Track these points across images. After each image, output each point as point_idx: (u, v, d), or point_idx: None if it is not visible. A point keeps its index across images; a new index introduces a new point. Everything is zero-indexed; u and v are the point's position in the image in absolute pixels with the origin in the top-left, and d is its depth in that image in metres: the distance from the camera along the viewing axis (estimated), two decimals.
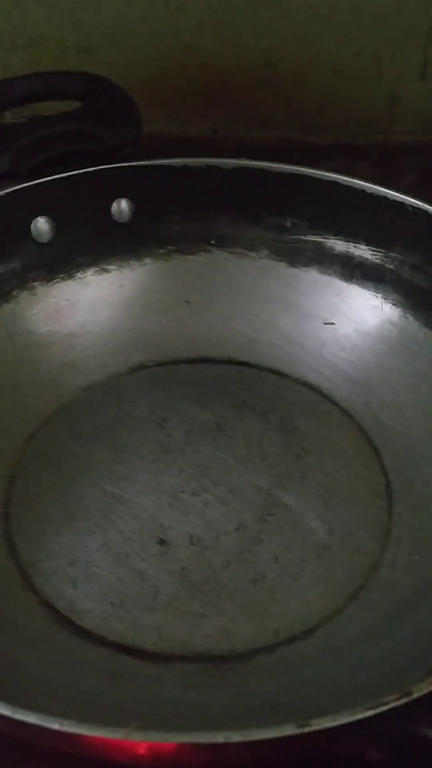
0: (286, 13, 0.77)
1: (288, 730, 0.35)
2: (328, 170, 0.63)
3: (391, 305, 0.62)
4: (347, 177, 0.61)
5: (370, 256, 0.62)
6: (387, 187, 0.61)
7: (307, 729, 0.35)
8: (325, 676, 0.47)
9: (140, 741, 0.36)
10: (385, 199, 0.61)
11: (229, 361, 0.64)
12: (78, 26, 0.78)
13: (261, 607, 0.52)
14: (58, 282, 0.64)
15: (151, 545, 0.54)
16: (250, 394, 0.62)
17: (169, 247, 0.66)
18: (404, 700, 0.36)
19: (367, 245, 0.62)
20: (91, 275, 0.65)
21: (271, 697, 0.46)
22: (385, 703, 0.36)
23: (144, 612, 0.51)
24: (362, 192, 0.61)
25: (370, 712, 0.36)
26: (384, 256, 0.62)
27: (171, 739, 0.35)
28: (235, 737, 0.35)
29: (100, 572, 0.53)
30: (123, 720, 0.39)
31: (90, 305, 0.65)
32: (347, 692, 0.45)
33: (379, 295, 0.62)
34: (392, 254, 0.62)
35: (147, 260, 0.66)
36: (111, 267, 0.65)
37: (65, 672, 0.48)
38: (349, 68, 0.80)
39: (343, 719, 0.36)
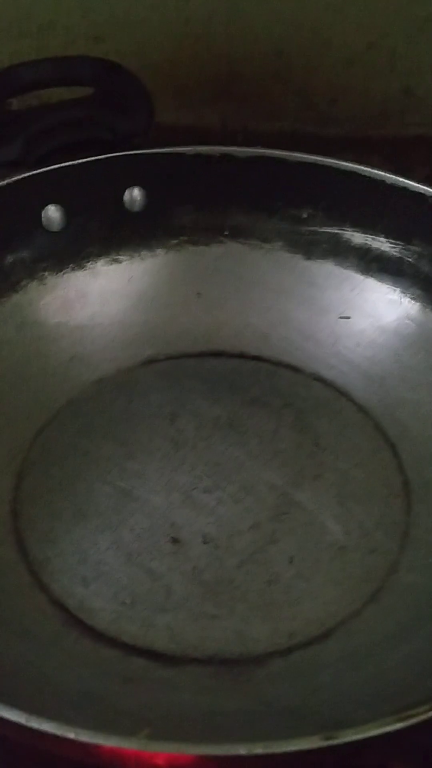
0: (299, 3, 0.75)
1: (313, 742, 0.34)
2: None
3: (409, 299, 0.60)
4: (365, 167, 0.59)
5: (388, 249, 0.60)
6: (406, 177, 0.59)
7: (333, 742, 0.33)
8: (342, 682, 0.46)
9: (159, 752, 0.33)
10: (404, 190, 0.59)
11: (242, 356, 0.62)
12: (87, 13, 0.76)
13: (275, 608, 0.50)
14: (67, 272, 0.62)
15: (162, 544, 0.52)
16: (262, 389, 0.60)
17: (182, 238, 0.64)
18: None
19: (385, 237, 0.60)
20: (101, 266, 0.63)
21: (287, 703, 0.45)
22: (415, 715, 0.34)
23: (156, 612, 0.50)
24: (381, 183, 0.59)
25: (399, 725, 0.34)
26: (403, 248, 0.60)
27: (191, 751, 0.34)
28: (258, 749, 0.33)
29: (110, 571, 0.51)
30: (136, 726, 0.38)
31: (100, 297, 0.63)
32: (366, 699, 0.44)
33: (398, 290, 0.61)
34: (411, 247, 0.60)
35: (158, 251, 0.64)
36: (122, 257, 0.64)
37: (76, 674, 0.46)
38: (361, 59, 0.78)
39: (371, 732, 0.34)
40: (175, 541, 0.52)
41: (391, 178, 0.59)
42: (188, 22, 0.76)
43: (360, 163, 0.61)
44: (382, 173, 0.59)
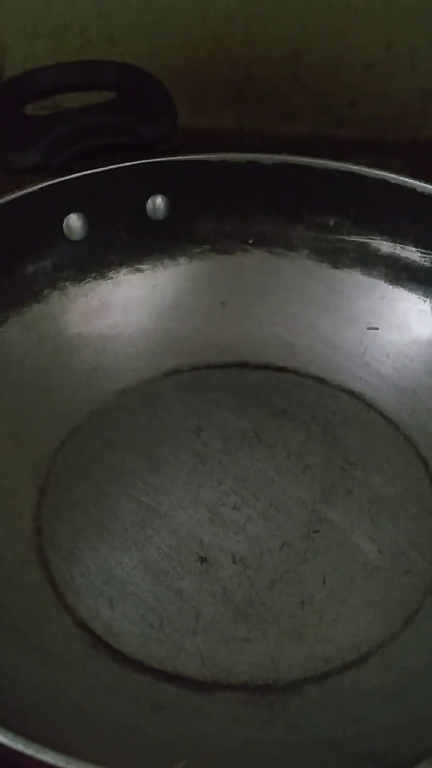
0: (318, 4, 0.73)
1: None
2: (362, 165, 0.59)
3: None
4: (395, 175, 0.57)
5: (418, 258, 0.58)
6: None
7: None
8: (381, 711, 0.44)
9: None
10: None
11: (267, 367, 0.60)
12: (102, 14, 0.74)
13: (309, 632, 0.48)
14: (89, 282, 0.60)
15: (190, 563, 0.50)
16: (289, 401, 0.58)
17: (205, 246, 0.62)
18: None
19: (415, 246, 0.58)
20: (123, 275, 0.61)
21: (326, 734, 0.43)
22: None
23: (185, 635, 0.47)
24: (412, 191, 0.57)
25: None
26: None
27: None
28: None
29: (137, 591, 0.49)
30: (171, 758, 0.36)
31: (122, 306, 0.61)
32: (409, 733, 0.41)
33: (428, 300, 0.58)
34: None
35: (182, 259, 0.62)
36: (144, 266, 0.61)
37: (106, 702, 0.44)
38: (381, 61, 0.76)
39: None
40: (203, 560, 0.50)
41: (423, 186, 0.57)
42: (205, 23, 0.74)
43: (378, 165, 0.59)
44: (414, 181, 0.57)
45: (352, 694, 0.45)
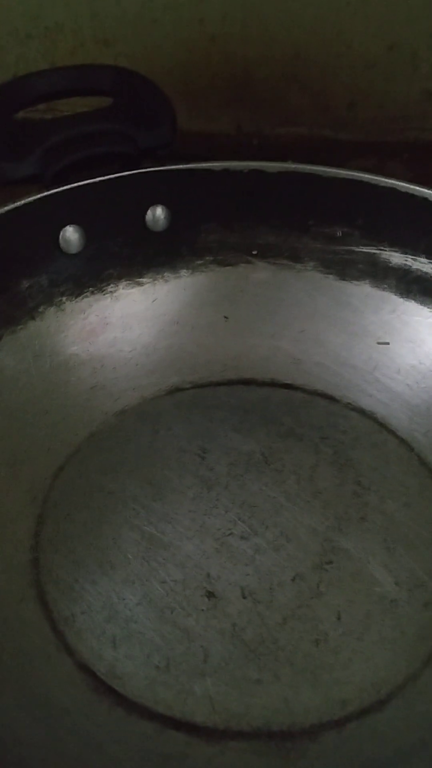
0: (317, 3, 0.70)
1: None
2: (360, 169, 0.56)
3: None
4: (406, 183, 0.54)
5: (430, 270, 0.54)
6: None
7: None
8: (405, 759, 0.40)
9: None
10: None
11: (273, 384, 0.57)
12: (96, 15, 0.72)
13: (325, 672, 0.44)
14: (87, 296, 0.57)
15: (197, 598, 0.46)
16: (297, 420, 0.54)
17: (207, 258, 0.58)
18: None
19: (427, 258, 0.55)
20: (123, 289, 0.58)
21: None
22: None
23: (193, 677, 0.44)
24: (423, 200, 0.53)
25: None
26: None
27: None
28: None
29: (141, 629, 0.45)
30: None
31: (121, 321, 0.57)
32: None
33: None
34: None
35: (183, 272, 0.58)
36: (144, 280, 0.58)
37: (110, 754, 0.41)
38: (382, 62, 0.73)
39: None
40: (211, 595, 0.46)
41: None
42: (202, 23, 0.72)
43: (379, 168, 0.56)
44: (424, 190, 0.53)
45: (372, 741, 0.41)
